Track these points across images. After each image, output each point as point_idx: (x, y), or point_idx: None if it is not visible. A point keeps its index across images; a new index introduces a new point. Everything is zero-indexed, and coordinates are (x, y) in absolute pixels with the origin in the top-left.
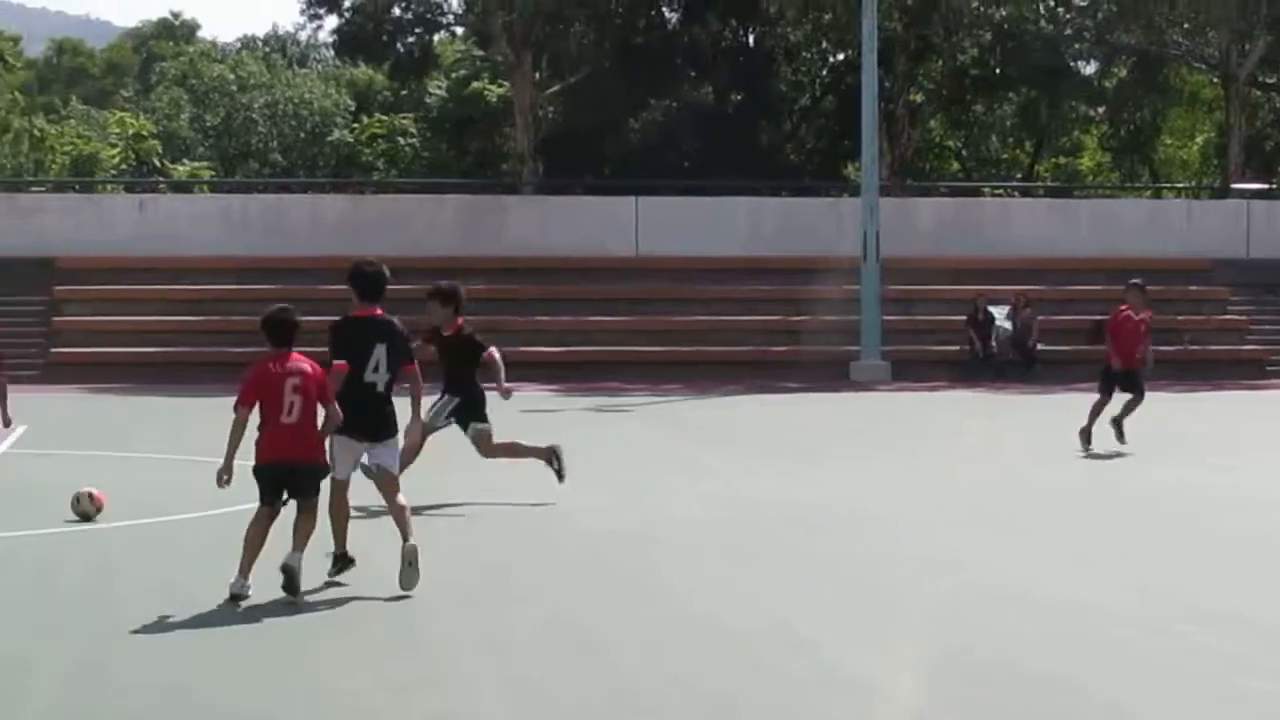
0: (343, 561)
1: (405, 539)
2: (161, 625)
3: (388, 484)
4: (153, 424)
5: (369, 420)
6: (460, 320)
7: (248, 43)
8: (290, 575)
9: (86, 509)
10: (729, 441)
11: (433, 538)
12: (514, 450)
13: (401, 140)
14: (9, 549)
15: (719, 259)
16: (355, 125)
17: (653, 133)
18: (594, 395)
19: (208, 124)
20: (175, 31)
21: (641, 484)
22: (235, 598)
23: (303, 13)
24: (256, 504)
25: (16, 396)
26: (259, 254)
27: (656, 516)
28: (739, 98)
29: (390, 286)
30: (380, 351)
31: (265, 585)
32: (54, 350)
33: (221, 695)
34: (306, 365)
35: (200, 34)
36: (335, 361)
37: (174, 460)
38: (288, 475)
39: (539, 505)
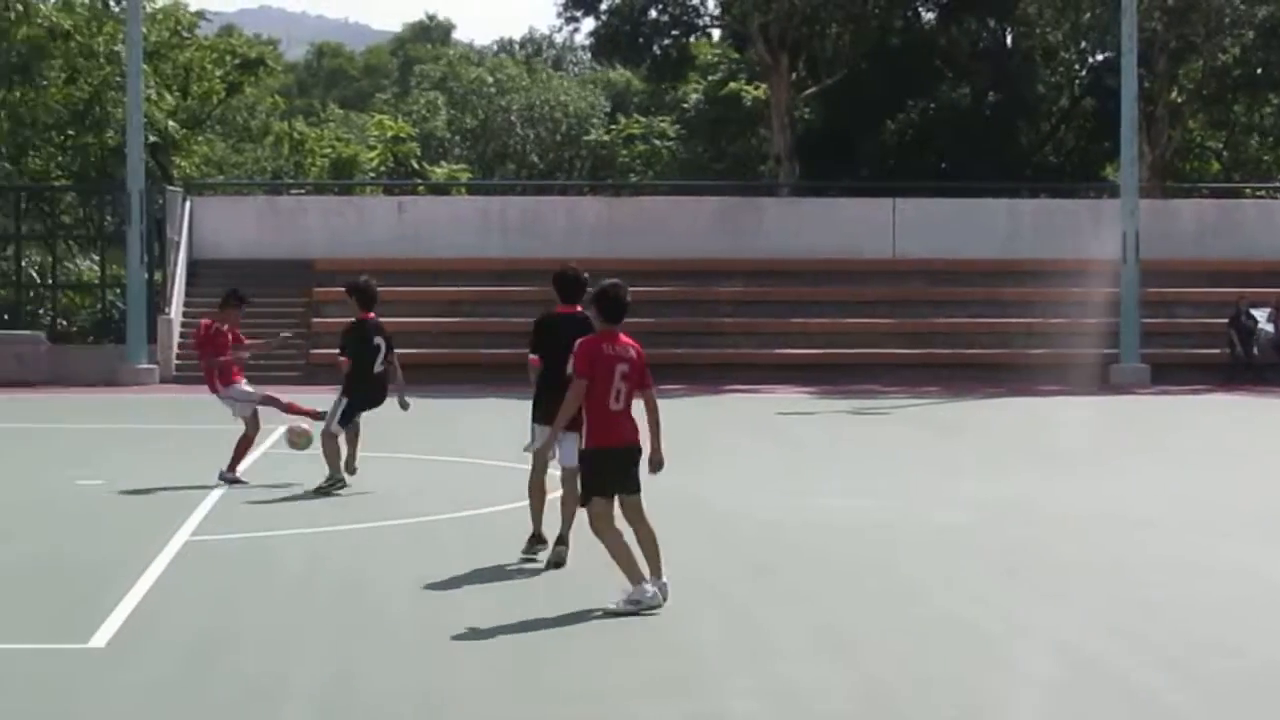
0: (537, 542)
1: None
2: (421, 625)
3: (567, 475)
4: (408, 425)
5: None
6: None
7: (504, 45)
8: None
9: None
10: (987, 444)
11: (693, 538)
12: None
13: (658, 143)
14: (277, 546)
15: (976, 261)
16: (612, 127)
17: (909, 134)
18: (851, 398)
19: (466, 126)
20: (431, 34)
21: (900, 486)
22: (651, 606)
23: (559, 15)
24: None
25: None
26: (515, 256)
27: (914, 518)
28: (996, 98)
29: (646, 289)
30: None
31: (508, 585)
32: (313, 351)
33: (481, 697)
34: (634, 350)
35: (455, 36)
36: (531, 356)
37: (431, 461)
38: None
39: (798, 505)
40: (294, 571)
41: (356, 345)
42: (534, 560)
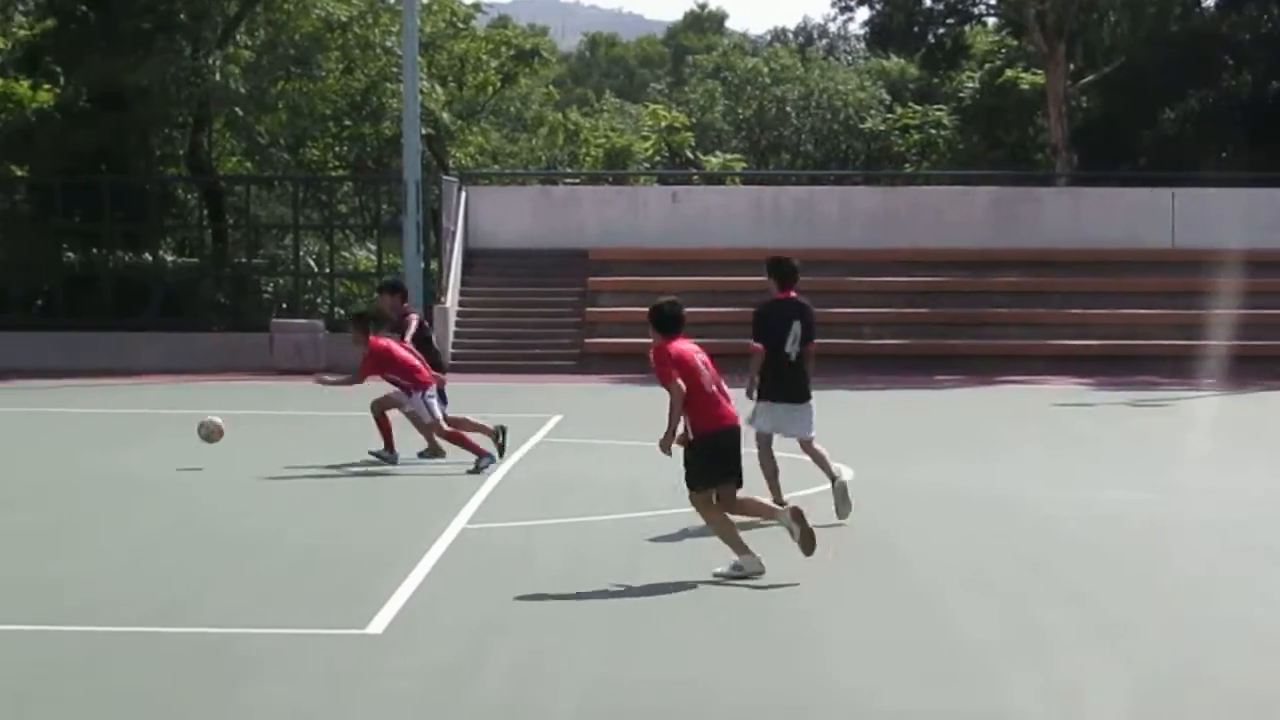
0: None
1: (834, 479)
2: (690, 613)
3: (805, 446)
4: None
5: (786, 386)
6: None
7: (778, 35)
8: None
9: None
10: (1265, 438)
11: (968, 531)
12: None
13: (934, 132)
14: (550, 535)
15: (1259, 251)
16: (888, 116)
17: (1189, 123)
18: (1129, 390)
19: (740, 116)
20: (704, 24)
21: (1179, 480)
22: (749, 574)
23: (833, 4)
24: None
25: (553, 384)
26: (788, 246)
27: (1194, 513)
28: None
29: (920, 279)
30: (796, 328)
31: (777, 574)
32: (587, 340)
33: (751, 687)
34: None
35: (728, 26)
36: (752, 344)
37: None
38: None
39: (1075, 499)
40: (566, 560)
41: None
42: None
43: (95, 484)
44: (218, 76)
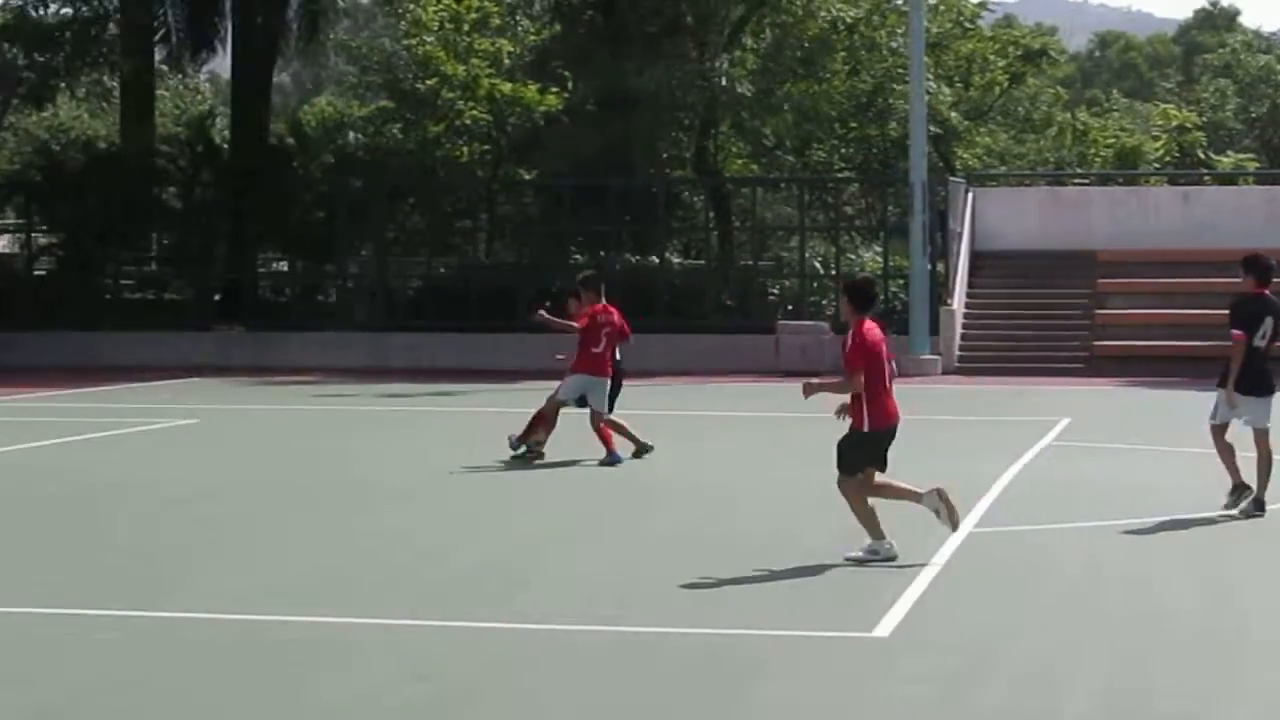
0: (1240, 491)
1: (1258, 490)
2: (1204, 626)
3: (1259, 436)
4: (1187, 419)
5: (1254, 377)
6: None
7: None
8: None
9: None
10: None
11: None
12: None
13: None
14: (1058, 540)
15: None
16: None
17: None
18: None
19: (1252, 115)
20: (1215, 21)
21: None
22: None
23: None
24: None
25: (1060, 387)
26: None
27: None
28: None
29: None
30: (1268, 324)
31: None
32: (1096, 343)
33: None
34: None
35: (1240, 22)
36: (1234, 332)
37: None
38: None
39: None
40: (1076, 565)
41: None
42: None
43: (601, 483)
44: (724, 80)
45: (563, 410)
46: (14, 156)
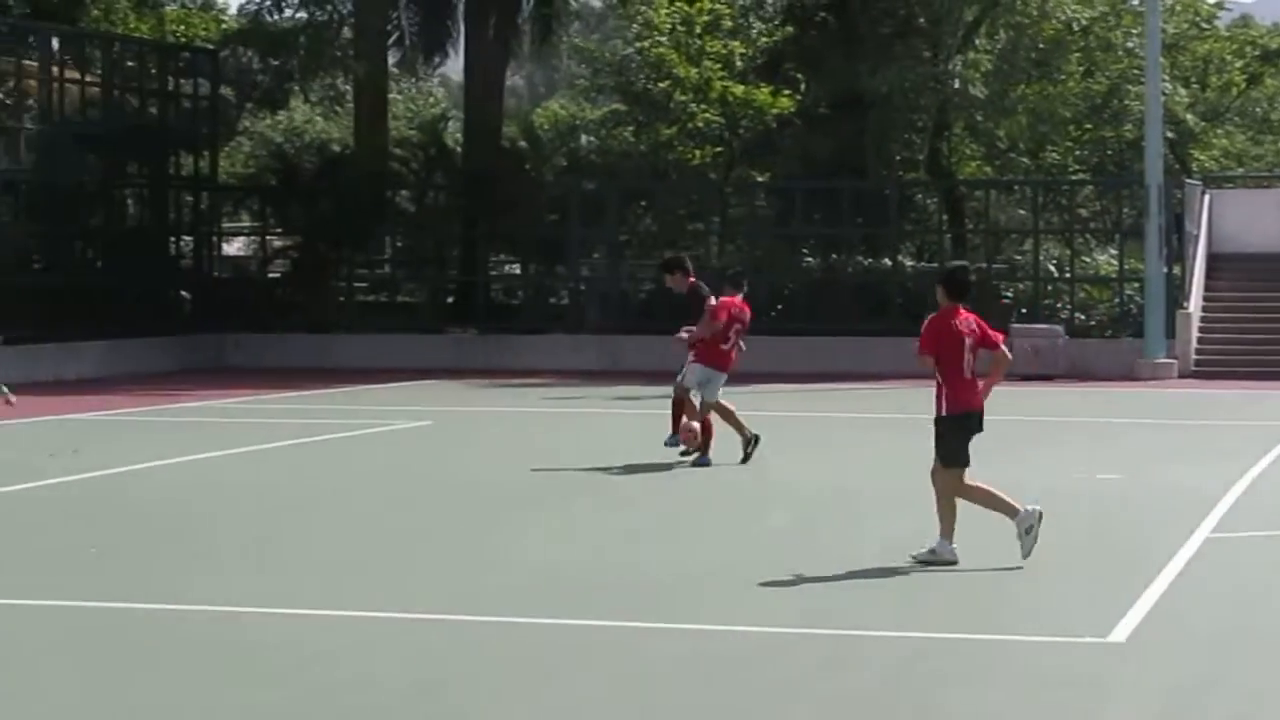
0: None
1: None
2: None
3: None
4: None
5: None
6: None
7: None
8: None
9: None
10: None
11: None
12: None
13: None
14: None
15: None
16: None
17: None
18: None
19: None
20: None
21: None
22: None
23: None
24: None
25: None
26: None
27: None
28: None
29: None
30: None
31: None
32: None
33: None
34: (975, 321)
35: None
36: None
37: None
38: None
39: None
40: None
41: None
42: None
43: (806, 487)
44: (957, 82)
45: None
46: (249, 160)
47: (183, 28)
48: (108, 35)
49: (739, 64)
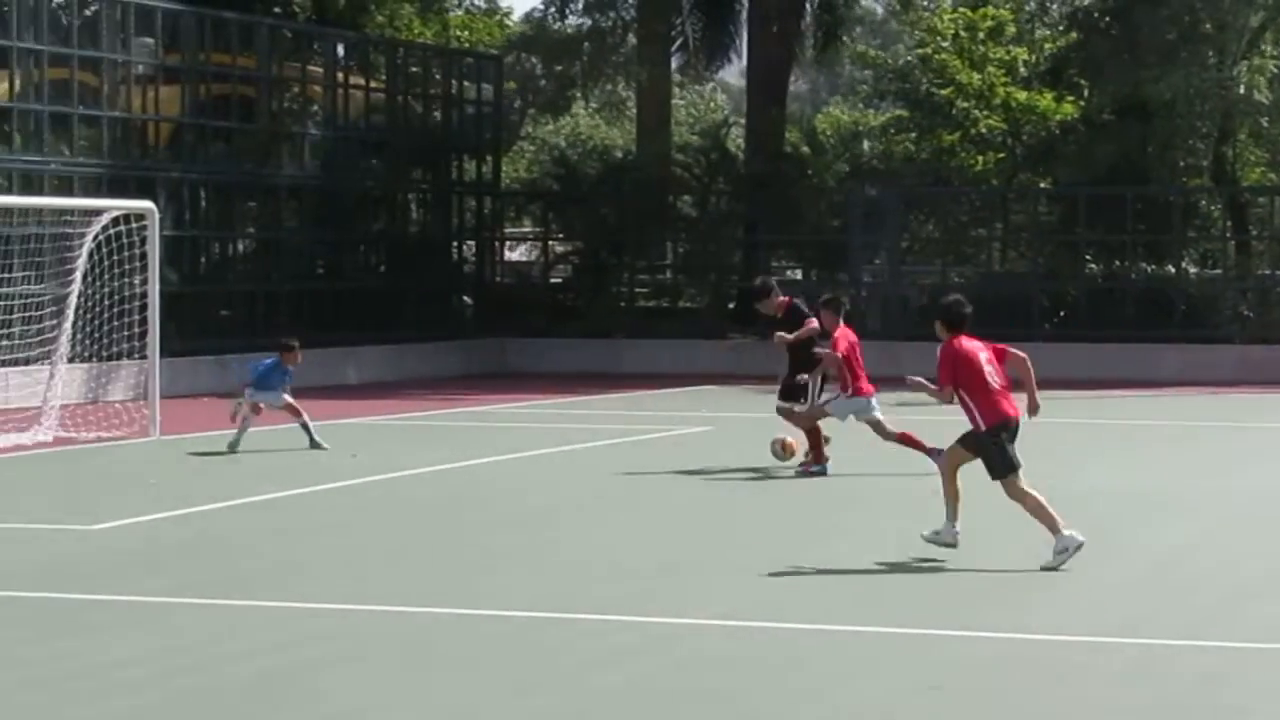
0: None
1: None
2: None
3: None
4: None
5: None
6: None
7: None
8: None
9: (778, 453)
10: None
11: None
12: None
13: None
14: None
15: None
16: None
17: None
18: None
19: None
20: None
21: None
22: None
23: None
24: None
25: None
26: None
27: None
28: None
29: None
30: None
31: None
32: None
33: None
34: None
35: None
36: None
37: None
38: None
39: None
40: None
41: None
42: None
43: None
44: (1241, 89)
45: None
46: (531, 165)
47: (466, 33)
48: (392, 41)
49: (1022, 70)
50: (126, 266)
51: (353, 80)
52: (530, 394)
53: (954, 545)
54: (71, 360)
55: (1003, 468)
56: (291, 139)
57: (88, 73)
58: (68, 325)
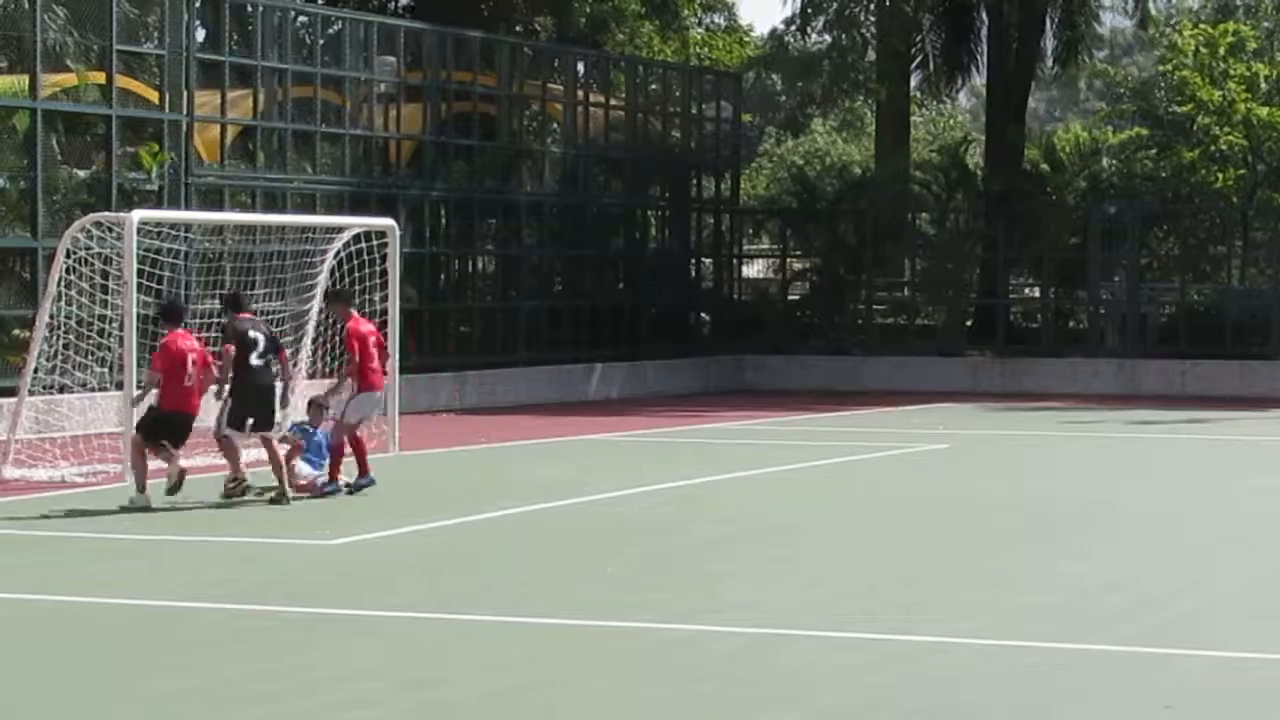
0: None
1: None
2: None
3: None
4: None
5: None
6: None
7: None
8: None
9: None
10: None
11: None
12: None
13: None
14: None
15: None
16: None
17: None
18: None
19: None
20: None
21: None
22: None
23: None
24: None
25: None
26: None
27: None
28: None
29: None
30: None
31: None
32: None
33: None
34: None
35: None
36: None
37: None
38: None
39: None
40: None
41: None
42: None
43: None
44: None
45: None
46: (770, 183)
47: (706, 50)
48: (632, 59)
49: (1263, 86)
50: (367, 284)
51: (593, 98)
52: (768, 410)
53: None
54: (311, 376)
55: None
56: (532, 156)
57: (330, 91)
58: (307, 341)
